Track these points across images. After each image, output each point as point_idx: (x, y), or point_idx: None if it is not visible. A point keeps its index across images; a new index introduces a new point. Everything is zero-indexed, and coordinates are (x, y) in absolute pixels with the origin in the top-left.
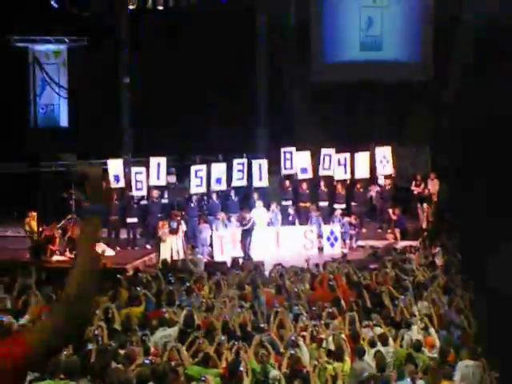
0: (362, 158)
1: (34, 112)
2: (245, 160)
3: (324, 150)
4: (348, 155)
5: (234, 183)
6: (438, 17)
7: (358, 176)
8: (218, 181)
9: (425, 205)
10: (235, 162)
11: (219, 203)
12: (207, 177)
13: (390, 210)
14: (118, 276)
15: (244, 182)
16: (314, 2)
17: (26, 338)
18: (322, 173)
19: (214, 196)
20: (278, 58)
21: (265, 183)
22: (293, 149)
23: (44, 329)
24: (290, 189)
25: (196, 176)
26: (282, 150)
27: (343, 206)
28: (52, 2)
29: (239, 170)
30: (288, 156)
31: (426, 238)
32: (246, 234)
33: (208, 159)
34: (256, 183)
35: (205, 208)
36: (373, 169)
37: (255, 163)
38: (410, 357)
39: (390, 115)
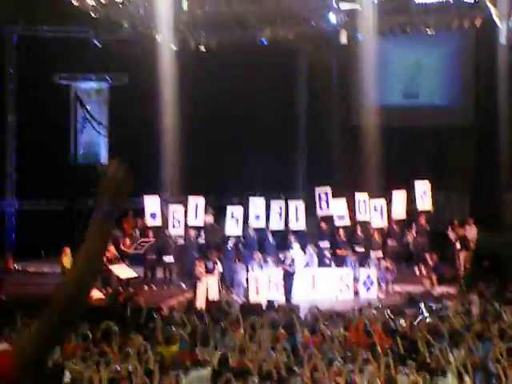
0: (399, 196)
1: (74, 149)
2: (283, 202)
3: (358, 195)
4: (384, 201)
5: (272, 226)
6: (479, 62)
7: (395, 217)
8: (257, 218)
9: (462, 250)
10: (273, 203)
11: (256, 239)
12: (245, 212)
13: (428, 255)
14: (154, 314)
15: (282, 225)
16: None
17: (15, 349)
18: (358, 218)
19: (252, 232)
20: (317, 98)
21: (302, 225)
22: (327, 188)
23: (32, 338)
24: (327, 230)
25: (232, 217)
26: (317, 190)
27: (379, 252)
28: (95, 41)
29: (277, 213)
30: (323, 197)
31: (462, 284)
32: (289, 275)
33: (246, 195)
34: (292, 225)
35: (241, 246)
36: (409, 209)
37: (292, 204)
38: None
39: (429, 160)
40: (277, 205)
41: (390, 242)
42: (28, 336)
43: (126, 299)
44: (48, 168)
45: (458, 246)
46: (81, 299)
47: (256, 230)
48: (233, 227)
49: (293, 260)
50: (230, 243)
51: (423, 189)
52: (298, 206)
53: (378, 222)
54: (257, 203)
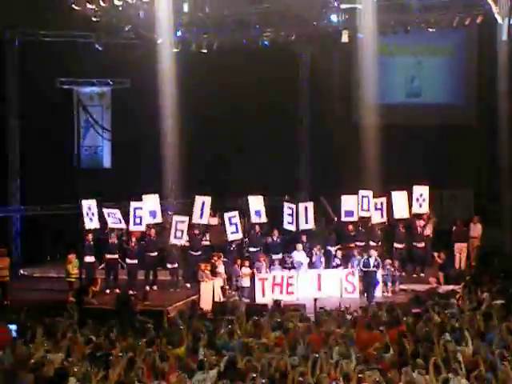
0: (399, 197)
1: (77, 153)
2: (294, 205)
3: (362, 192)
4: (384, 199)
5: (286, 226)
6: (481, 59)
7: (398, 216)
8: (257, 213)
9: (462, 246)
10: (286, 205)
11: (260, 238)
12: (247, 211)
13: (436, 254)
14: (160, 318)
15: (294, 227)
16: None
17: None
18: (360, 214)
19: (257, 228)
20: (320, 97)
21: (311, 225)
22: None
23: None
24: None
25: (231, 223)
26: (321, 199)
27: (378, 244)
28: (96, 45)
29: (289, 214)
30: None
31: (469, 282)
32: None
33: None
34: (302, 226)
35: (246, 246)
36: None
37: (302, 206)
38: None
39: (431, 158)
40: (289, 207)
41: (397, 245)
42: None
43: (132, 302)
44: (51, 172)
45: (462, 243)
46: None
47: (262, 228)
48: (233, 233)
49: (298, 261)
50: (234, 244)
51: (420, 192)
52: (307, 207)
53: (378, 218)
54: (256, 200)
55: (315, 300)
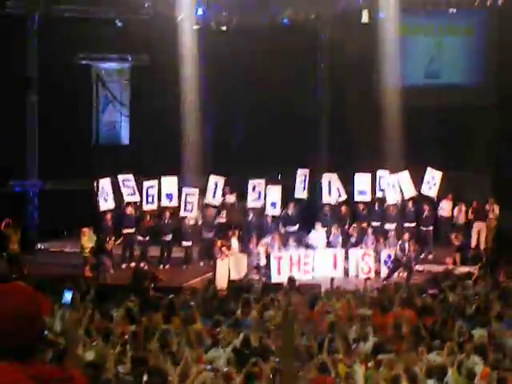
0: (404, 177)
1: (96, 129)
2: (307, 171)
3: (379, 172)
4: (396, 178)
5: (297, 195)
6: (501, 40)
7: (407, 196)
8: (273, 204)
9: (481, 225)
10: (299, 172)
11: (274, 224)
12: (264, 197)
13: (453, 236)
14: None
15: (305, 195)
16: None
17: None
18: (378, 194)
19: (269, 219)
20: (338, 78)
21: (334, 200)
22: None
23: None
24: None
25: (253, 190)
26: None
27: (393, 225)
28: (116, 21)
29: (301, 182)
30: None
31: (485, 264)
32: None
33: (267, 178)
34: (326, 199)
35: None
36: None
37: (325, 177)
38: None
39: (450, 139)
40: (302, 174)
41: (407, 224)
42: None
43: (148, 279)
44: (70, 148)
45: (481, 222)
46: None
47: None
48: (254, 200)
49: (314, 240)
50: (252, 220)
51: (432, 175)
52: (331, 181)
53: (393, 197)
54: (274, 190)
55: (332, 280)
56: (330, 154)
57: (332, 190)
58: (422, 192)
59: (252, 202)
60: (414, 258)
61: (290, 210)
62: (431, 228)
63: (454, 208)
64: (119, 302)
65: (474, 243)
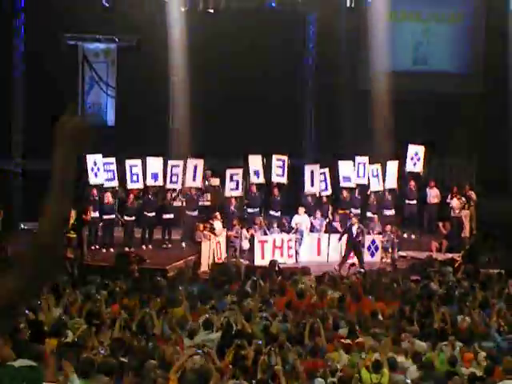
0: (392, 166)
1: (81, 109)
2: (285, 157)
3: (358, 158)
4: (379, 166)
5: (274, 179)
6: (490, 27)
7: (388, 186)
8: (256, 173)
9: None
10: (274, 157)
11: (260, 198)
12: (247, 171)
13: (441, 224)
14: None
15: (284, 179)
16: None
17: None
18: (356, 181)
19: (254, 189)
20: (326, 62)
21: (316, 189)
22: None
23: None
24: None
25: (231, 179)
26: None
27: (375, 216)
28: (103, 1)
29: (279, 166)
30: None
31: (468, 251)
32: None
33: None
34: (308, 189)
35: (246, 207)
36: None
37: (308, 169)
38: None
39: (437, 125)
40: (279, 159)
41: (386, 211)
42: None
43: (134, 262)
44: (55, 128)
45: (459, 212)
46: (55, 245)
47: (258, 187)
48: (232, 190)
49: (297, 224)
50: (232, 207)
51: (415, 150)
52: (313, 170)
53: (375, 186)
54: (255, 160)
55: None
56: (317, 139)
57: (314, 181)
58: (406, 170)
59: (230, 191)
60: (396, 244)
61: (275, 196)
62: (415, 202)
63: (447, 197)
64: (102, 284)
65: (467, 232)
